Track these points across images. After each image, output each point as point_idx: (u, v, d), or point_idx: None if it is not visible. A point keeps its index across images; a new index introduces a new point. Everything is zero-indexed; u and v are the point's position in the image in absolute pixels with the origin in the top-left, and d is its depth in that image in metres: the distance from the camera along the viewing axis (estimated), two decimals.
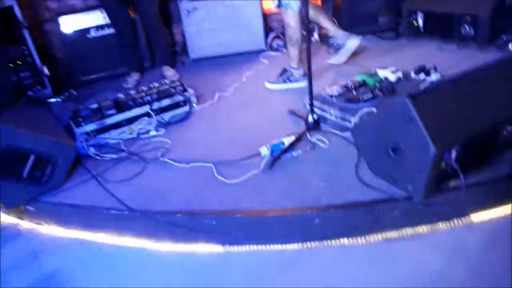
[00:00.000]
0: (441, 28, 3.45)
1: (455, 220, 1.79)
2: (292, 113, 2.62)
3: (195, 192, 1.97)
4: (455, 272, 1.59)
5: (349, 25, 3.86)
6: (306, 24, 2.32)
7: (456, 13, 3.31)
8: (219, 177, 2.04)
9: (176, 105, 2.80)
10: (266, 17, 4.08)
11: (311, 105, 2.29)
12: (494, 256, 1.63)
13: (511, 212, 1.81)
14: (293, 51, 3.01)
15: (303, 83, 2.97)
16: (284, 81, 3.09)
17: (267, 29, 4.08)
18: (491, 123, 1.72)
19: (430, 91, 1.66)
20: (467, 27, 3.27)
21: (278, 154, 2.13)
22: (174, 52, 4.07)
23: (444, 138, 1.59)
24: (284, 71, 3.11)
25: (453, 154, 1.64)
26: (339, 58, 3.32)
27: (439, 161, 1.60)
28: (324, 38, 3.91)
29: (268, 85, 3.13)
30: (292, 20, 2.88)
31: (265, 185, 1.95)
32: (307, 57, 2.19)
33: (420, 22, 3.56)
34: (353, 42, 3.26)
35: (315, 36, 4.02)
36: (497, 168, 1.85)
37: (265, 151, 2.17)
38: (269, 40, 3.98)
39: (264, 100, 2.96)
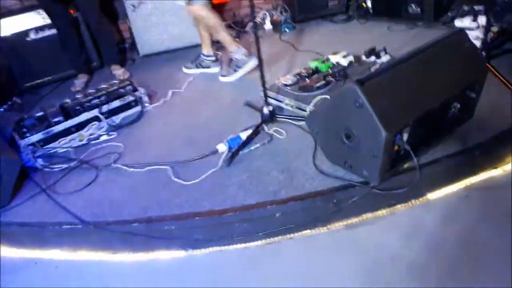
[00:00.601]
0: (390, 9, 3.49)
1: (413, 201, 1.83)
2: (248, 105, 2.58)
3: (152, 197, 1.90)
4: (414, 251, 1.62)
5: (299, 9, 3.86)
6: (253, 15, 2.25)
7: None
8: (176, 179, 1.97)
9: (127, 106, 2.69)
10: (214, 6, 3.98)
11: (265, 96, 2.25)
12: (450, 232, 1.67)
13: (464, 187, 1.86)
14: (223, 35, 2.95)
15: (216, 69, 3.19)
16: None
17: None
18: (440, 102, 1.74)
19: (377, 74, 1.66)
20: (413, 6, 3.33)
21: (236, 150, 2.09)
22: (123, 49, 3.91)
23: (395, 120, 1.60)
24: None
25: (405, 135, 1.66)
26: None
27: (392, 145, 1.61)
28: (276, 25, 3.87)
29: (185, 69, 3.26)
30: (202, 11, 2.85)
31: (224, 183, 1.91)
32: (256, 47, 2.13)
33: (369, 4, 3.60)
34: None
35: (267, 24, 3.98)
36: (448, 146, 1.89)
37: (222, 147, 2.13)
38: None
39: (219, 93, 2.90)
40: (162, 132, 2.50)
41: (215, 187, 1.89)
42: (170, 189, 1.93)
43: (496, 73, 2.17)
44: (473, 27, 3.00)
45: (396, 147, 1.67)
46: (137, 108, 2.72)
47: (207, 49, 3.18)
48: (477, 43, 2.56)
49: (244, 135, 2.18)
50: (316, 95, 2.31)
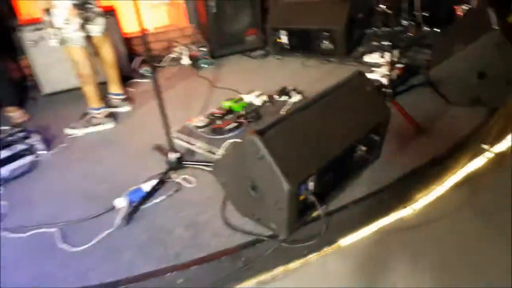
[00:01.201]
0: (304, 44, 3.54)
1: (325, 248, 1.74)
2: (157, 149, 2.38)
3: (33, 270, 1.61)
4: None
5: (217, 44, 3.79)
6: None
7: (314, 29, 3.42)
8: (63, 245, 1.71)
9: (18, 156, 2.37)
10: (128, 40, 3.79)
11: (170, 142, 2.08)
12: (362, 277, 1.60)
13: (376, 231, 1.82)
14: (89, 90, 2.66)
15: (110, 125, 2.77)
16: (86, 126, 2.73)
17: (131, 54, 3.79)
18: (343, 147, 1.69)
19: (279, 122, 1.57)
20: (326, 42, 3.40)
21: (136, 205, 1.88)
22: (24, 87, 3.54)
23: (299, 171, 1.51)
24: (85, 114, 2.77)
25: (310, 184, 1.58)
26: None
27: (296, 196, 1.52)
28: (194, 60, 3.76)
29: (68, 130, 2.72)
30: (77, 55, 2.54)
31: (120, 247, 1.68)
32: (155, 92, 1.97)
33: (285, 39, 3.62)
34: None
35: (185, 59, 3.85)
36: (356, 189, 1.85)
37: (121, 203, 1.90)
38: (134, 66, 3.69)
39: (125, 136, 2.67)
40: (56, 185, 2.20)
41: (109, 252, 1.66)
42: (56, 258, 1.66)
43: (401, 110, 2.21)
44: (381, 62, 3.11)
45: (302, 197, 1.57)
46: (30, 158, 2.40)
47: (114, 87, 2.95)
48: (384, 80, 2.63)
49: (147, 187, 1.98)
50: (227, 138, 2.20)
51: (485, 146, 2.15)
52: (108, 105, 2.92)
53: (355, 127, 1.74)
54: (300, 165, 1.53)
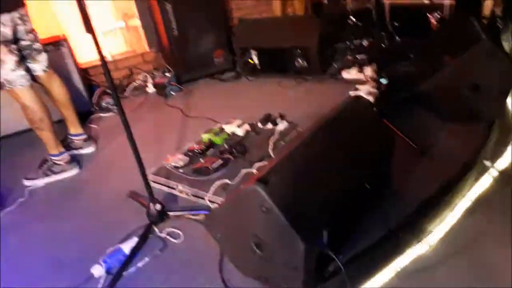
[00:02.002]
0: (277, 63, 3.37)
1: None
2: (132, 196, 2.10)
3: None
4: None
5: (183, 69, 3.55)
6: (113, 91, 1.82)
7: (286, 48, 3.26)
8: None
9: None
10: (85, 70, 3.47)
11: (149, 191, 1.81)
12: None
13: (395, 274, 1.63)
14: (45, 135, 2.33)
15: (74, 171, 2.45)
16: (46, 174, 2.40)
17: (90, 86, 3.46)
18: (355, 184, 1.50)
19: (281, 165, 1.36)
20: (300, 60, 3.24)
21: (118, 271, 1.59)
22: None
23: (311, 222, 1.30)
24: (44, 161, 2.45)
25: (325, 236, 1.37)
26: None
27: (312, 253, 1.30)
28: (160, 88, 3.48)
29: (26, 182, 2.38)
30: (24, 98, 2.21)
31: None
32: (124, 128, 1.69)
33: (255, 59, 3.43)
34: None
35: (150, 87, 3.57)
36: (369, 228, 1.66)
37: (98, 271, 1.61)
38: (94, 99, 3.37)
39: (93, 183, 2.36)
40: (15, 253, 1.86)
41: None
42: None
43: (399, 134, 2.06)
44: (360, 78, 2.99)
45: (317, 251, 1.36)
46: None
47: (74, 127, 2.62)
48: (370, 98, 2.49)
49: (127, 247, 1.70)
50: (214, 179, 1.96)
51: (487, 163, 2.04)
52: (69, 147, 2.59)
53: (362, 159, 1.56)
54: (312, 215, 1.32)
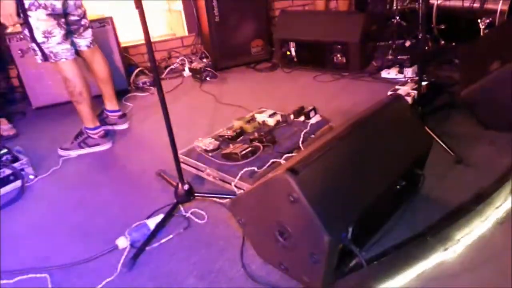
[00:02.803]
0: (315, 58, 3.33)
1: None
2: (161, 175, 2.14)
3: None
4: None
5: (221, 56, 3.56)
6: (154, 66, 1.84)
7: (326, 42, 3.21)
8: None
9: (3, 181, 2.10)
10: (125, 50, 3.54)
11: (179, 172, 1.83)
12: None
13: (416, 276, 1.59)
14: (83, 109, 2.40)
15: (107, 145, 2.51)
16: (80, 146, 2.47)
17: (128, 65, 3.54)
18: (387, 184, 1.47)
19: (313, 157, 1.34)
20: (339, 56, 3.19)
21: (141, 246, 1.62)
22: (12, 100, 3.27)
23: (338, 216, 1.28)
24: (80, 134, 2.50)
25: (350, 231, 1.35)
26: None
27: (336, 247, 1.28)
28: (196, 72, 3.52)
29: (61, 152, 2.46)
30: (67, 71, 2.27)
31: None
32: (162, 108, 1.71)
33: (293, 52, 3.40)
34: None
35: (186, 71, 3.61)
36: (395, 230, 1.62)
37: (123, 243, 1.65)
38: (132, 77, 3.44)
39: (124, 158, 2.42)
40: (47, 218, 1.93)
41: None
42: None
43: (437, 138, 1.99)
44: (400, 79, 2.91)
45: (340, 246, 1.34)
46: (17, 183, 2.13)
47: (110, 104, 2.69)
48: (409, 99, 2.42)
49: (152, 223, 1.73)
50: (242, 165, 1.96)
51: None
52: (104, 122, 2.67)
53: (397, 160, 1.52)
54: (339, 209, 1.30)
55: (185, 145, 2.20)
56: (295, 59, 3.43)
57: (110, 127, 2.70)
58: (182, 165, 2.03)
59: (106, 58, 2.58)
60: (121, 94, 3.17)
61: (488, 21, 2.93)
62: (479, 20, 2.93)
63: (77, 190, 2.13)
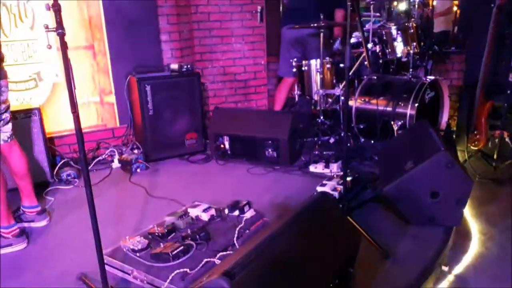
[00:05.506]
0: (248, 151, 3.45)
1: None
2: (82, 279, 1.93)
3: None
4: None
5: (153, 147, 3.55)
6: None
7: (259, 138, 3.38)
8: None
9: None
10: (50, 140, 3.38)
11: (103, 275, 1.67)
12: None
13: None
14: None
15: (21, 246, 2.28)
16: None
17: (54, 155, 3.36)
18: (321, 285, 1.46)
19: (249, 258, 1.32)
20: (270, 151, 3.34)
21: None
22: None
23: None
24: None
25: None
26: None
27: None
28: (126, 164, 3.43)
29: None
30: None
31: None
32: (88, 203, 1.61)
33: (227, 145, 3.51)
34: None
35: (115, 162, 3.51)
36: None
37: None
38: (55, 169, 3.24)
39: (40, 260, 2.16)
40: None
41: None
42: None
43: (365, 234, 2.07)
44: (327, 173, 3.09)
45: None
46: None
47: (27, 199, 2.48)
48: (335, 194, 2.55)
49: None
50: (173, 267, 1.85)
51: (445, 268, 2.07)
52: (20, 219, 2.42)
53: (330, 258, 1.55)
54: None
55: (111, 244, 2.04)
56: (229, 152, 3.52)
57: (26, 225, 2.45)
58: (107, 267, 1.87)
59: (25, 152, 2.42)
60: (42, 187, 2.96)
61: (400, 123, 3.31)
62: (392, 122, 3.31)
63: None
